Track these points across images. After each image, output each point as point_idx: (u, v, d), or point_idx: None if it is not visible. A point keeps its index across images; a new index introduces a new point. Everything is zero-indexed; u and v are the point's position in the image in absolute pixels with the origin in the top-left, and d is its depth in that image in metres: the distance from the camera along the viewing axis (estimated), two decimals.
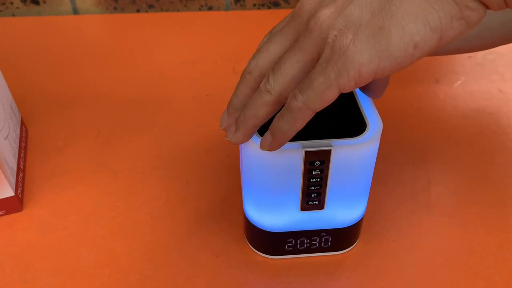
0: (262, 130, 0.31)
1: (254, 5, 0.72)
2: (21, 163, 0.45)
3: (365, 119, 0.32)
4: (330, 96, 0.26)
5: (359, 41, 0.25)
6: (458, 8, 0.24)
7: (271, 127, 0.29)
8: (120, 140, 0.50)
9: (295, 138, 0.30)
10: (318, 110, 0.27)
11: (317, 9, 0.27)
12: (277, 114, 0.28)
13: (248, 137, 0.30)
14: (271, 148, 0.29)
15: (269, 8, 0.72)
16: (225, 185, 0.45)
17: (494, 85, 0.56)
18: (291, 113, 0.27)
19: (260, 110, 0.29)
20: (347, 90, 0.26)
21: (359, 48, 0.25)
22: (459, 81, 0.56)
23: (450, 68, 0.58)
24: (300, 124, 0.27)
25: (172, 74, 0.58)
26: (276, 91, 0.28)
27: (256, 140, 0.31)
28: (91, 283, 0.37)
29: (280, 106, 0.29)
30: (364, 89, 0.34)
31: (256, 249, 0.39)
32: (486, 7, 0.25)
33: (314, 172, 0.32)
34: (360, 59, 0.25)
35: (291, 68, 0.27)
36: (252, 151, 0.31)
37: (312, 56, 0.27)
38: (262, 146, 0.29)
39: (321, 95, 0.26)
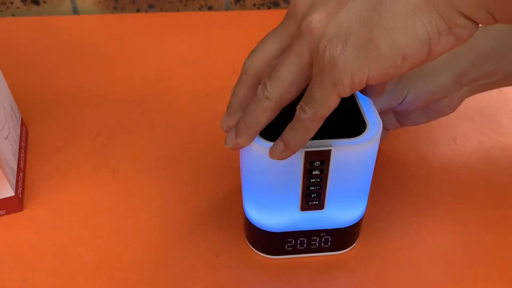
0: (264, 134, 0.31)
1: (254, 5, 0.72)
2: (21, 163, 0.45)
3: (365, 119, 0.32)
4: (333, 103, 0.27)
5: (349, 51, 0.25)
6: (445, 24, 0.24)
7: (283, 137, 0.29)
8: (120, 140, 0.50)
9: None
10: (327, 116, 0.28)
11: (309, 13, 0.27)
12: (288, 125, 0.29)
13: (248, 142, 0.31)
14: (282, 157, 0.30)
15: (269, 8, 0.72)
16: (225, 185, 0.45)
17: None
18: (303, 124, 0.28)
19: (261, 117, 0.29)
20: (345, 95, 0.27)
21: (349, 59, 0.25)
22: None
23: None
24: (313, 132, 0.28)
25: (172, 74, 0.59)
26: (276, 96, 0.28)
27: (256, 141, 0.31)
28: (91, 283, 0.37)
29: (280, 109, 0.29)
30: (364, 90, 0.34)
31: (256, 249, 0.39)
32: (476, 23, 0.25)
33: (314, 172, 0.32)
34: (351, 68, 0.25)
35: (289, 73, 0.28)
36: (252, 151, 0.31)
37: (308, 61, 0.27)
38: (272, 155, 0.30)
39: (325, 104, 0.27)
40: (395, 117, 0.44)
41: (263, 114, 0.29)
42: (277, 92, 0.28)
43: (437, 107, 0.42)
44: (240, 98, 0.31)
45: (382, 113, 0.43)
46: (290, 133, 0.29)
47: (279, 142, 0.29)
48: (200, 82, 0.57)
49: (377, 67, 0.25)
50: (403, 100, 0.40)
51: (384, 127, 0.44)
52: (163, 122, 0.52)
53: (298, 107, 0.28)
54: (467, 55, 0.40)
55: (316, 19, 0.26)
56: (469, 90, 0.41)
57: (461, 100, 0.42)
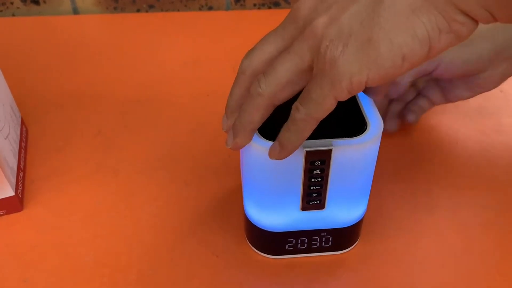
0: (260, 130, 0.31)
1: (255, 5, 0.72)
2: (21, 163, 0.45)
3: (365, 119, 0.32)
4: (329, 105, 0.27)
5: (349, 52, 0.25)
6: (446, 22, 0.24)
7: (279, 138, 0.29)
8: (120, 140, 0.50)
9: None
10: (322, 118, 0.28)
11: (313, 17, 0.27)
12: (284, 126, 0.29)
13: (247, 142, 0.31)
14: (279, 157, 0.30)
15: (269, 8, 0.72)
16: (226, 184, 0.45)
17: None
18: (297, 124, 0.28)
19: (254, 115, 0.29)
20: (343, 98, 0.26)
21: (349, 60, 0.25)
22: None
23: None
24: (307, 133, 0.28)
25: (172, 74, 0.58)
26: (268, 93, 0.28)
27: (257, 141, 0.31)
28: (91, 283, 0.37)
29: (274, 108, 0.29)
30: (365, 90, 0.34)
31: (257, 249, 0.39)
32: (475, 20, 0.25)
33: (314, 172, 0.32)
34: (350, 70, 0.25)
35: (285, 71, 0.28)
36: (253, 151, 0.31)
37: (308, 64, 0.27)
38: (270, 155, 0.30)
39: (321, 105, 0.27)
40: (440, 91, 0.45)
41: (256, 112, 0.29)
42: (270, 88, 0.28)
43: (477, 80, 0.42)
44: (237, 98, 0.31)
45: (424, 84, 0.46)
46: (285, 133, 0.29)
47: (276, 143, 0.29)
48: (200, 82, 0.57)
49: (376, 68, 0.25)
50: (438, 66, 0.41)
51: (430, 101, 0.47)
52: (163, 122, 0.52)
53: (293, 107, 0.28)
54: (509, 29, 0.39)
55: (320, 23, 0.26)
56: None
57: (503, 76, 0.42)
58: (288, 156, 0.30)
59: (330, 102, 0.27)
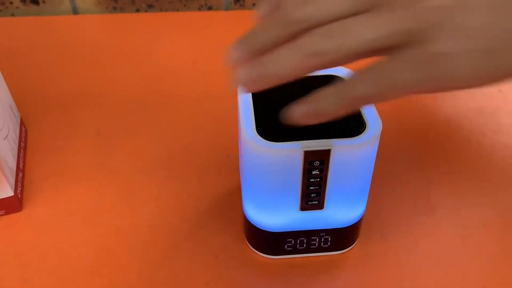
0: (263, 134, 0.31)
1: (254, 4, 0.72)
2: (21, 163, 0.45)
3: (364, 119, 0.32)
4: (392, 97, 0.21)
5: (468, 56, 0.21)
6: None
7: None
8: (120, 140, 0.50)
9: (294, 138, 0.30)
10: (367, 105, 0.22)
11: None
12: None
13: (257, 90, 0.24)
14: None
15: None
16: (225, 185, 0.45)
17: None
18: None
19: (290, 73, 0.22)
20: (416, 93, 0.22)
21: (464, 64, 0.21)
22: None
23: None
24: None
25: (172, 74, 0.59)
26: (331, 59, 0.21)
27: (256, 140, 0.31)
28: (91, 283, 0.37)
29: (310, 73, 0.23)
30: None
31: (256, 249, 0.39)
32: None
33: (313, 172, 0.32)
34: (462, 74, 0.21)
35: (362, 42, 0.21)
36: (252, 150, 0.31)
37: (391, 45, 0.21)
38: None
39: (395, 87, 0.21)
40: None
41: (296, 71, 0.22)
42: (337, 53, 0.21)
43: None
44: (271, 42, 0.23)
45: None
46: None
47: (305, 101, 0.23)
48: (200, 82, 0.57)
49: (496, 77, 0.21)
50: None
51: None
52: (163, 122, 0.52)
53: (357, 71, 0.21)
54: None
55: (440, 5, 0.21)
56: None
57: None
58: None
59: (399, 94, 0.21)
